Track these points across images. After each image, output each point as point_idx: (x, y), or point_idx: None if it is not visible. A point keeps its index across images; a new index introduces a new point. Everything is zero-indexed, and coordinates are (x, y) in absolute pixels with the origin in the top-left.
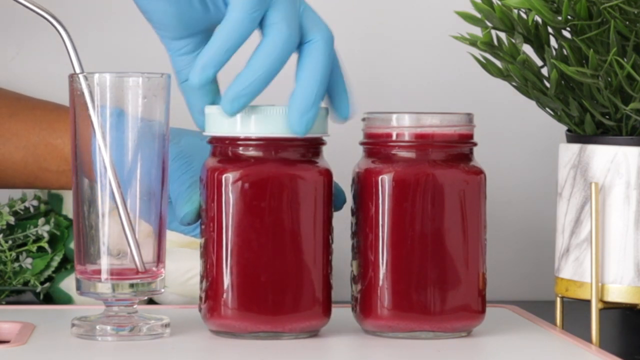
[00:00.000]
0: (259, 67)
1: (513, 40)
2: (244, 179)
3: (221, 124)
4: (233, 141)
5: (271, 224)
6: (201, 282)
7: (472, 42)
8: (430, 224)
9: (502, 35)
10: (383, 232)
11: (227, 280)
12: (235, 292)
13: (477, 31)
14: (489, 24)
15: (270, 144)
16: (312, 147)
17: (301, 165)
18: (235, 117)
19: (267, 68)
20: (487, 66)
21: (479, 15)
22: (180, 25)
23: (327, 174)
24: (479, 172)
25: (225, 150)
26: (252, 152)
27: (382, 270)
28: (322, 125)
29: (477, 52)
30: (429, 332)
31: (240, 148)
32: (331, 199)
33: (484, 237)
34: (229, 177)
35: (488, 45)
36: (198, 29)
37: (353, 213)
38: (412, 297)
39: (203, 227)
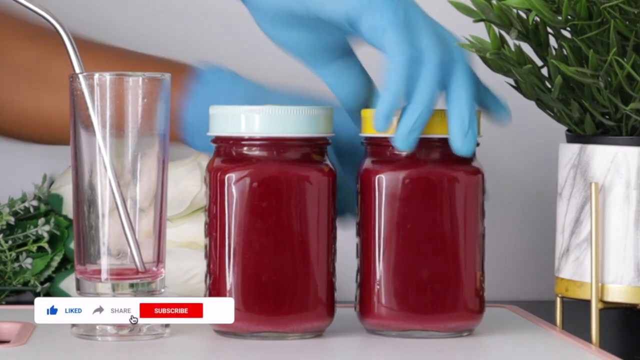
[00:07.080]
0: (423, 98)
1: (509, 36)
2: (247, 179)
3: (225, 124)
4: (237, 141)
5: (274, 224)
6: (205, 281)
7: (482, 51)
8: (429, 224)
9: (507, 37)
10: (382, 231)
11: (229, 280)
12: (238, 292)
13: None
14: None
15: (273, 144)
16: (316, 147)
17: (305, 165)
18: (239, 117)
19: (429, 97)
20: (487, 61)
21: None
22: (320, 50)
23: (331, 174)
24: (477, 171)
25: (229, 150)
26: (255, 152)
27: (381, 269)
28: (326, 125)
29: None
30: (425, 331)
31: (244, 148)
32: (335, 199)
33: (483, 236)
34: (232, 176)
35: (496, 54)
36: (339, 49)
37: (358, 212)
38: (410, 296)
39: (206, 226)
